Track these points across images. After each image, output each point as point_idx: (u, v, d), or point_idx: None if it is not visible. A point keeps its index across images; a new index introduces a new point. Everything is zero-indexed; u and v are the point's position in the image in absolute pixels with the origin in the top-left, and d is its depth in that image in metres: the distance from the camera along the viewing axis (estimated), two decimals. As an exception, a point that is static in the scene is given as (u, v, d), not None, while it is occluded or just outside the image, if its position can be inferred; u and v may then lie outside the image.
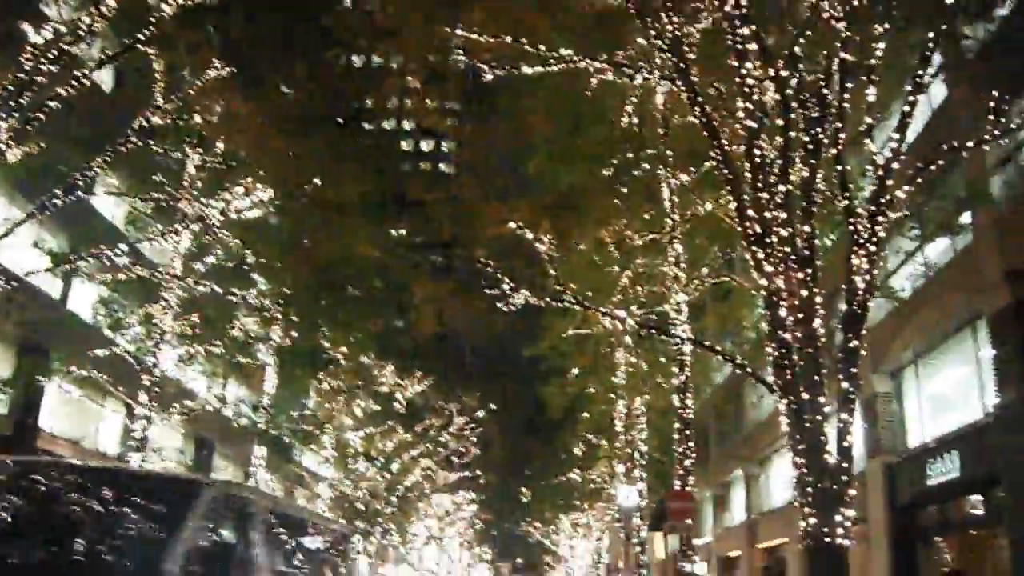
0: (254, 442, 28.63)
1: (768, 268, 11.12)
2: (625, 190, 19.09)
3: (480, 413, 47.64)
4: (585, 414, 34.11)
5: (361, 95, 19.27)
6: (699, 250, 22.02)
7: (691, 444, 19.22)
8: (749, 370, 12.81)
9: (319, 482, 37.37)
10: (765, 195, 11.30)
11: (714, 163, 12.08)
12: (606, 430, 35.24)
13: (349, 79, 18.16)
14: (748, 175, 11.50)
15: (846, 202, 11.00)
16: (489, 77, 15.79)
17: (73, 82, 12.59)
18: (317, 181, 17.54)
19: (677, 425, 19.42)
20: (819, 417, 10.64)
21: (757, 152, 11.44)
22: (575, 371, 30.19)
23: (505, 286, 14.72)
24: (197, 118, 17.16)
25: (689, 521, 19.04)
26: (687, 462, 19.00)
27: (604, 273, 23.42)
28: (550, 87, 19.64)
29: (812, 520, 10.24)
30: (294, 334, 23.35)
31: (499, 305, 15.36)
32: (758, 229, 11.26)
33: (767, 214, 11.26)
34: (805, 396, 10.69)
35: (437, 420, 44.65)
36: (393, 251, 20.38)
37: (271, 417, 27.59)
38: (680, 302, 20.08)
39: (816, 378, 10.77)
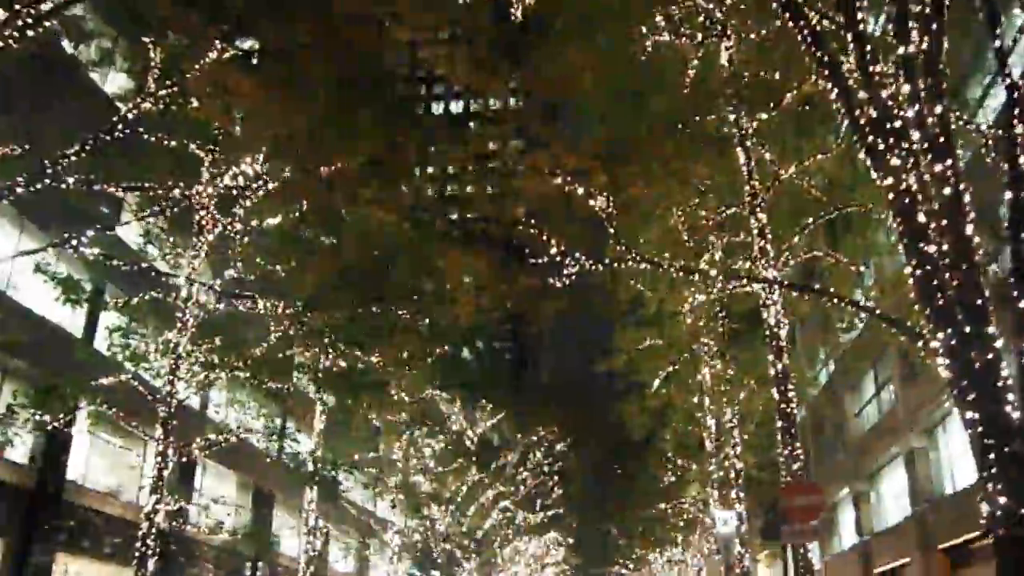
0: (306, 486, 26.16)
1: (894, 162, 8.15)
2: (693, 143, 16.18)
3: (559, 446, 44.18)
4: (669, 435, 30.83)
5: (372, 53, 17.08)
6: (784, 224, 19.05)
7: (798, 444, 15.99)
8: (878, 313, 9.71)
9: (387, 529, 34.64)
10: (879, 67, 8.37)
11: (803, 47, 9.17)
12: (694, 452, 31.95)
13: (359, 39, 15.96)
14: (851, 47, 8.61)
15: (998, 43, 7.97)
16: (519, 15, 13.36)
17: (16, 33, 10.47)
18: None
19: (780, 423, 16.19)
20: (989, 355, 7.55)
21: (860, 16, 8.57)
22: (656, 383, 27.07)
23: (553, 251, 11.95)
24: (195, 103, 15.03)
25: (817, 523, 15.47)
26: (796, 466, 15.72)
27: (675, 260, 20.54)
28: (597, 42, 17.17)
29: (1002, 500, 7.10)
30: (329, 354, 20.96)
31: (551, 280, 12.66)
32: (873, 113, 8.33)
33: (883, 92, 8.33)
34: (967, 329, 7.63)
35: (512, 455, 41.57)
36: (414, 218, 17.80)
37: (321, 456, 25.18)
38: (769, 279, 17.00)
39: (979, 302, 7.71)
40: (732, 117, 17.96)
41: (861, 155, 8.58)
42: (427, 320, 21.47)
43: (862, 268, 19.73)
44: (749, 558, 25.06)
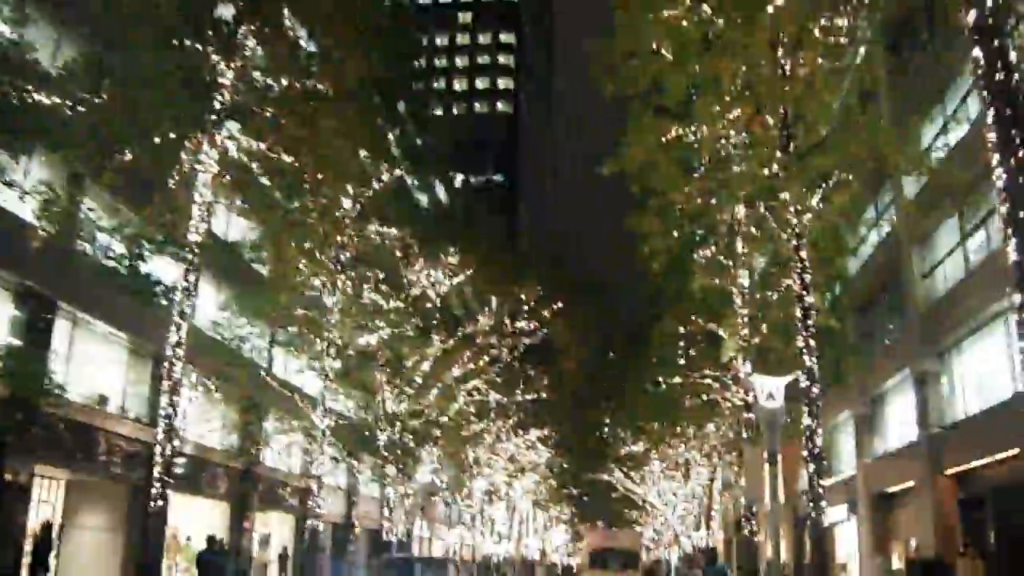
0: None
1: None
2: None
3: (545, 312, 34.94)
4: (696, 268, 22.55)
5: None
6: None
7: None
8: None
9: (310, 404, 26.05)
10: None
11: None
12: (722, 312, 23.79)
13: None
14: None
15: None
16: None
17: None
18: None
19: (993, 108, 7.64)
20: None
21: None
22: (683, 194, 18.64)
23: None
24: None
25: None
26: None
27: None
28: None
29: None
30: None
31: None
32: None
33: None
34: None
35: (485, 320, 32.92)
36: None
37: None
38: None
39: None
40: None
41: None
42: None
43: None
44: (820, 435, 16.87)
